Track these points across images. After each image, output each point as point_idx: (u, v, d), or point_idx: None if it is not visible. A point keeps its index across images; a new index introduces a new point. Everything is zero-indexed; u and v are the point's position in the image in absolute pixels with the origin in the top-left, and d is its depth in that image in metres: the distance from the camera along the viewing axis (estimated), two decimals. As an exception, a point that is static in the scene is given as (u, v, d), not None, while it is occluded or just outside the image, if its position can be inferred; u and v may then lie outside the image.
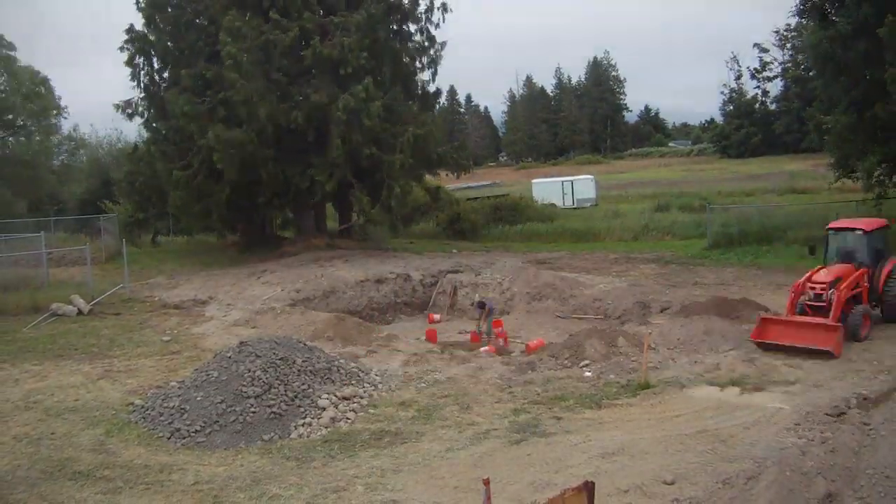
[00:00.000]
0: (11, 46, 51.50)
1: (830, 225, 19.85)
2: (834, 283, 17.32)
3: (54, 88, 54.43)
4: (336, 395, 14.75)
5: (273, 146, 32.54)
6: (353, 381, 15.69)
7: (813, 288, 17.56)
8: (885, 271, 18.47)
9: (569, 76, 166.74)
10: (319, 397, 14.46)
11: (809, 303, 17.50)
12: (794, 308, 17.68)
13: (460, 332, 24.34)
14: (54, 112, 54.29)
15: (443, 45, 37.38)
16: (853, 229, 18.99)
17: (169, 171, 34.04)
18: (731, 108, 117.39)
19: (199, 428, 13.28)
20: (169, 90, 35.59)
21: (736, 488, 9.14)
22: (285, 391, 14.23)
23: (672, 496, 9.83)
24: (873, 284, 18.38)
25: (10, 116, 50.36)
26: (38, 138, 53.13)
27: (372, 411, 14.51)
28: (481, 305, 23.30)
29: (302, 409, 14.00)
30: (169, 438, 13.16)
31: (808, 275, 18.12)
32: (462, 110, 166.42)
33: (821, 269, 18.42)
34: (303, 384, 14.64)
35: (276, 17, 32.25)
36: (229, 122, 31.69)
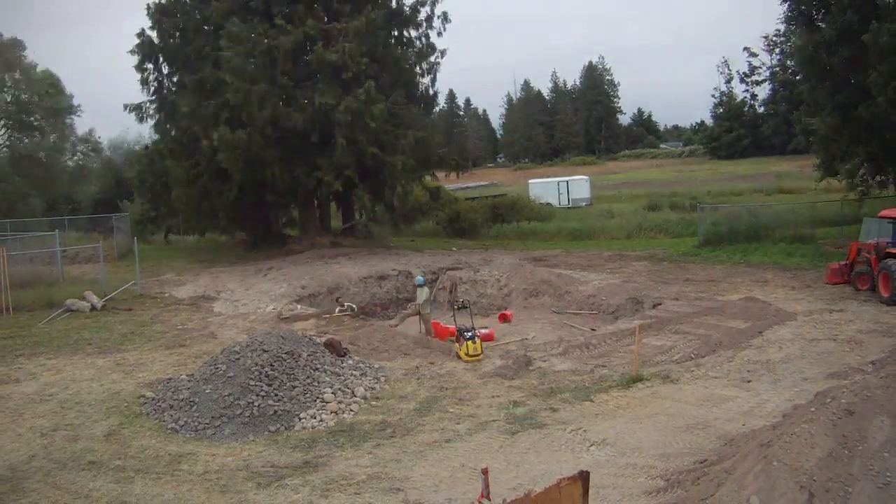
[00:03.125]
0: (23, 46, 51.46)
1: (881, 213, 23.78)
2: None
3: (66, 88, 54.46)
4: (340, 388, 14.78)
5: (279, 148, 32.54)
6: (356, 375, 15.71)
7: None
8: None
9: (564, 80, 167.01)
10: (324, 390, 14.49)
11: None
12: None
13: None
14: (68, 112, 54.21)
15: (443, 52, 37.48)
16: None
17: (179, 170, 34.08)
18: (721, 110, 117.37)
19: (208, 420, 13.30)
20: (177, 93, 35.63)
21: (716, 470, 9.18)
22: (291, 384, 14.26)
23: (657, 486, 9.87)
24: None
25: (24, 116, 50.20)
26: (52, 140, 53.03)
27: (374, 403, 14.54)
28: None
29: (307, 402, 14.02)
30: (179, 430, 13.18)
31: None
32: (461, 113, 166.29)
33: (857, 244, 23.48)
34: (308, 377, 14.67)
35: (281, 22, 32.27)
36: (232, 124, 31.69)
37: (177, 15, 36.07)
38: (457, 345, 18.19)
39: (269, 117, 31.29)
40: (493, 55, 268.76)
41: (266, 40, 31.99)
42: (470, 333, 17.98)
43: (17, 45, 50.77)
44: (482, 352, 17.81)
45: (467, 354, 17.57)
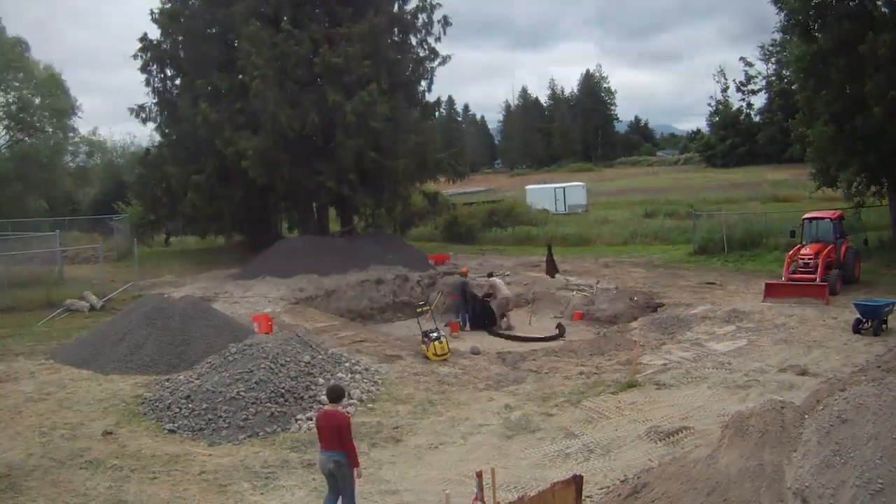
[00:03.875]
0: (27, 47, 51.44)
1: (805, 216, 25.79)
2: (816, 256, 23.19)
3: (69, 89, 54.43)
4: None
5: (286, 151, 32.61)
6: (354, 377, 15.71)
7: (802, 258, 23.47)
8: (844, 247, 24.47)
9: (562, 88, 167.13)
10: (321, 392, 14.47)
11: (801, 269, 23.28)
12: (789, 271, 23.60)
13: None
14: (70, 113, 54.13)
15: (445, 58, 37.47)
16: (823, 218, 25.10)
17: (183, 174, 34.11)
18: (717, 119, 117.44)
19: (205, 420, 13.29)
20: (181, 97, 35.62)
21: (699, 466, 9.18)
22: (289, 386, 14.24)
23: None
24: (837, 256, 24.04)
25: (25, 116, 50.07)
26: (52, 142, 52.95)
27: (371, 406, 14.53)
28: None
29: (304, 404, 14.01)
30: (176, 430, 13.17)
31: (794, 251, 24.21)
32: (460, 119, 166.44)
33: (801, 247, 24.12)
34: (306, 379, 14.66)
35: (288, 27, 32.32)
36: (247, 129, 31.75)
37: (181, 20, 36.05)
38: (423, 346, 18.87)
39: (286, 121, 31.32)
40: (493, 62, 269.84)
41: (276, 46, 31.99)
42: (436, 334, 18.87)
43: (20, 43, 50.73)
44: (448, 351, 18.54)
45: (435, 354, 18.31)
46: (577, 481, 7.38)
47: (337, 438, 9.17)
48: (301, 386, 14.40)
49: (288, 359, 14.98)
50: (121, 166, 59.33)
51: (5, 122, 51.35)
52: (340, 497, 9.35)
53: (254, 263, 31.78)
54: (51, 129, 52.80)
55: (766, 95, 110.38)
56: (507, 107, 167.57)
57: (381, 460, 11.77)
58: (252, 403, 13.59)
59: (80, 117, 56.36)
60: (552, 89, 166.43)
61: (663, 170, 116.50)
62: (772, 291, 23.00)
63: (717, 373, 15.81)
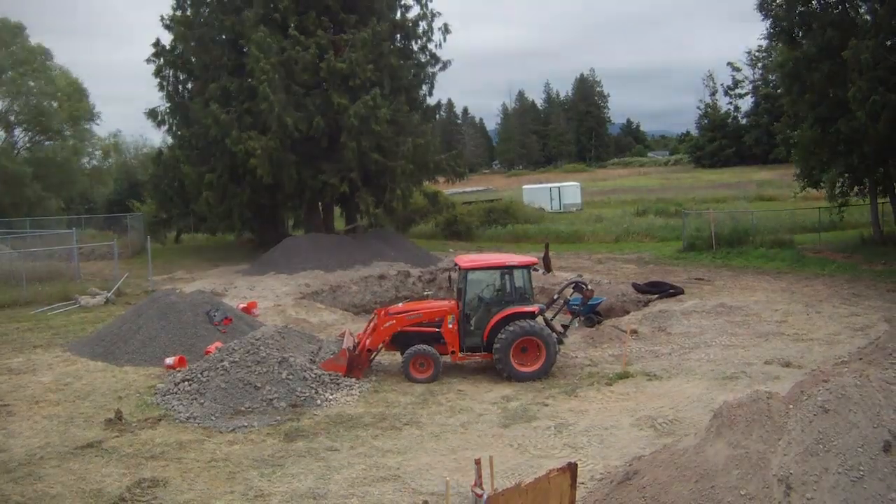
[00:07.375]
0: (49, 55, 51.48)
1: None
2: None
3: (89, 94, 54.51)
4: (342, 382, 14.77)
5: (292, 152, 32.62)
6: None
7: None
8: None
9: (557, 91, 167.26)
10: (326, 383, 14.49)
11: None
12: None
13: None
14: (87, 119, 54.16)
15: (445, 64, 37.51)
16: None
17: (196, 174, 34.08)
18: (706, 122, 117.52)
19: (215, 410, 13.30)
20: (193, 100, 35.59)
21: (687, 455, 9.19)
22: (296, 377, 14.25)
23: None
24: None
25: (44, 120, 50.06)
26: (71, 142, 52.97)
27: (375, 396, 14.53)
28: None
29: (310, 394, 14.02)
30: (187, 419, 13.17)
31: None
32: (459, 121, 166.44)
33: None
34: (312, 371, 14.66)
35: (295, 33, 32.29)
36: (254, 130, 31.73)
37: (193, 27, 36.01)
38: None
39: (293, 123, 31.30)
40: (491, 67, 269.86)
41: (284, 52, 31.97)
42: None
43: (42, 52, 50.79)
44: None
45: None
46: (571, 468, 7.37)
47: None
48: (309, 377, 14.41)
49: (295, 351, 14.98)
50: (134, 166, 59.30)
51: (25, 126, 51.38)
52: None
53: (262, 260, 31.82)
54: (69, 133, 52.84)
55: (752, 99, 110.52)
56: (505, 110, 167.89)
57: (384, 448, 11.76)
58: (260, 393, 13.61)
59: (97, 124, 56.49)
60: (547, 93, 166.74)
61: (654, 170, 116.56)
62: None
63: (706, 364, 15.83)
